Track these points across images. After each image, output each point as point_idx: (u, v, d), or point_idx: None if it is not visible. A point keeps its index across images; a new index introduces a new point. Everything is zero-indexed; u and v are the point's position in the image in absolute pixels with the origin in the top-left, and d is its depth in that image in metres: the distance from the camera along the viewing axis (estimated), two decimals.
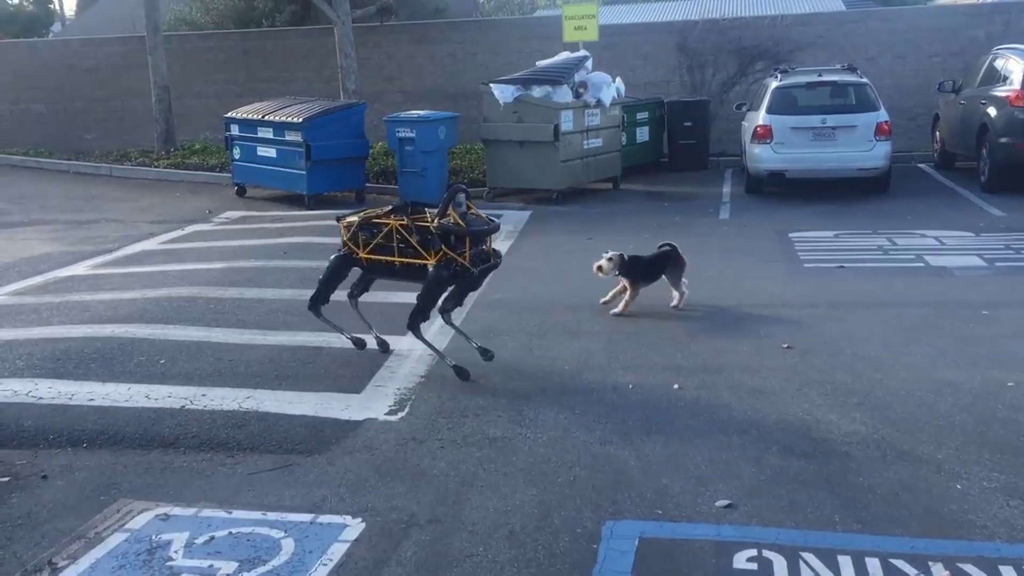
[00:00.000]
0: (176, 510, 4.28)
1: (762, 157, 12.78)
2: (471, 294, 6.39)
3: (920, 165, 15.52)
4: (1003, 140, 11.91)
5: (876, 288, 7.83)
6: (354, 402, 5.57)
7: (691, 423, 5.03)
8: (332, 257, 6.43)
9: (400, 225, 5.96)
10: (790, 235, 10.25)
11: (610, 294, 7.41)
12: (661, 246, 7.50)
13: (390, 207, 6.25)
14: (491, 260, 6.02)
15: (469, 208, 5.92)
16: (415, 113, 13.79)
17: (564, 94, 13.32)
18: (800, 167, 12.58)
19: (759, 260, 9.08)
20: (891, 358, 6.03)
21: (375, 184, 14.65)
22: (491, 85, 13.42)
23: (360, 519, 4.12)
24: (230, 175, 15.06)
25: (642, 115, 16.12)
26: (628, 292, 7.23)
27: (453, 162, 15.08)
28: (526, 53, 18.31)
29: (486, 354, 6.01)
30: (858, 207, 11.90)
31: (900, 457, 4.56)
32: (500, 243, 10.38)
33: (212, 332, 6.97)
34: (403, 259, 6.03)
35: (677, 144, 16.54)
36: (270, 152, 13.78)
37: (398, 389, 5.76)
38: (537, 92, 13.23)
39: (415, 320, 5.96)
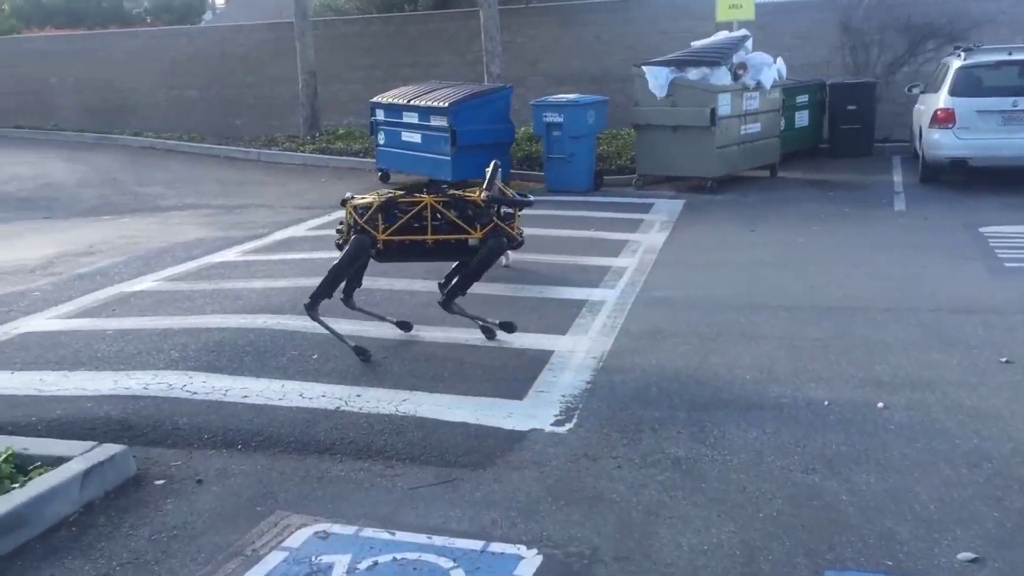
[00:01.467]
0: (336, 528, 3.95)
1: (942, 143, 11.69)
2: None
3: None
4: None
5: None
6: (516, 409, 5.15)
7: (907, 451, 4.38)
8: (350, 242, 6.09)
9: (438, 201, 5.96)
10: (980, 230, 9.27)
11: None
12: None
13: (403, 189, 6.39)
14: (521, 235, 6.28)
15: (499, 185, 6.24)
16: (563, 97, 13.31)
17: (722, 76, 12.56)
18: (987, 154, 11.45)
19: (950, 257, 8.20)
20: None
21: (518, 171, 14.24)
22: (644, 68, 12.79)
23: (536, 550, 3.69)
24: (374, 160, 14.96)
25: (802, 98, 15.15)
26: None
27: (599, 148, 14.52)
28: (675, 34, 17.51)
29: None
30: None
31: None
32: (656, 234, 9.81)
33: (365, 325, 6.67)
34: (439, 236, 6.01)
35: (839, 129, 15.46)
36: (415, 137, 13.56)
37: (563, 396, 5.31)
38: (693, 74, 12.52)
39: (456, 295, 6.23)
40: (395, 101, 13.86)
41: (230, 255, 9.55)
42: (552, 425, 4.92)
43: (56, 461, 4.37)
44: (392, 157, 14.13)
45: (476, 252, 6.06)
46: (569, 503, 4.06)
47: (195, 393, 5.49)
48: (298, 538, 3.88)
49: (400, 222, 5.99)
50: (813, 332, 6.26)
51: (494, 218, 5.97)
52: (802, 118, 15.24)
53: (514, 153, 14.40)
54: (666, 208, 11.35)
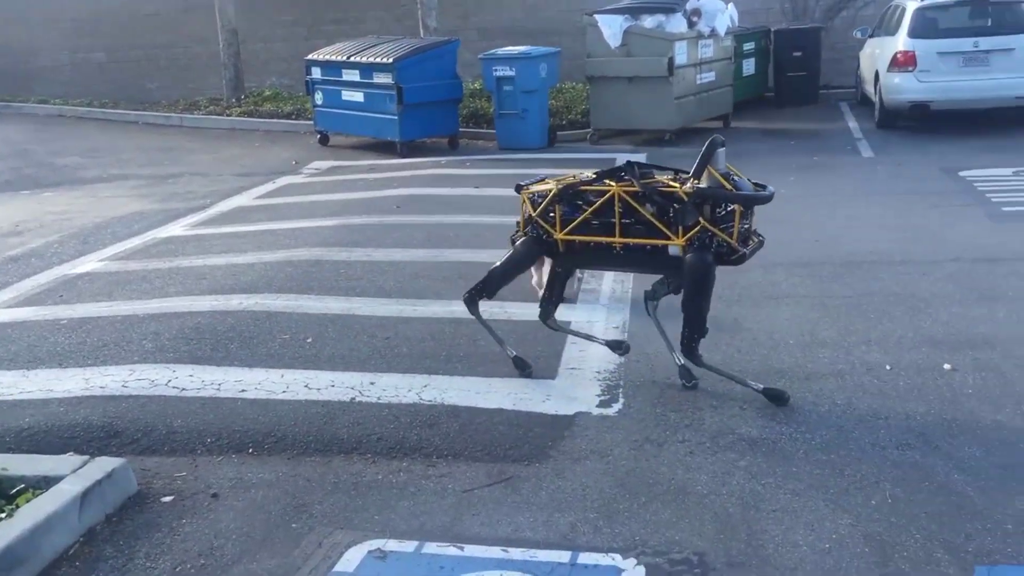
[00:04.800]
0: (392, 544, 3.42)
1: (903, 87, 11.52)
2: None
3: None
4: None
5: None
6: (554, 390, 4.66)
7: (1000, 419, 4.05)
8: (517, 242, 4.81)
9: (627, 192, 4.35)
10: (961, 174, 9.10)
11: None
12: None
13: (596, 171, 4.61)
14: (754, 239, 4.39)
15: (729, 168, 4.28)
16: (514, 49, 12.69)
17: (677, 23, 12.11)
18: (949, 97, 11.31)
19: (945, 205, 7.97)
20: None
21: (467, 128, 13.62)
22: (596, 16, 12.26)
23: (634, 559, 3.23)
24: (310, 122, 14.13)
25: (748, 46, 14.85)
26: None
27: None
28: None
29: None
30: (1020, 141, 10.68)
31: None
32: None
33: (353, 303, 6.09)
34: (631, 239, 4.42)
35: (785, 76, 15.24)
36: (357, 96, 12.78)
37: (598, 373, 4.84)
38: (648, 22, 12.05)
39: (693, 342, 4.34)
40: (333, 58, 13.04)
41: (176, 229, 8.76)
42: (599, 407, 4.45)
43: (43, 482, 3.72)
44: (332, 118, 13.33)
45: (679, 265, 4.32)
46: (651, 499, 3.60)
47: (184, 389, 4.84)
48: (351, 560, 3.34)
49: (581, 218, 4.52)
50: (840, 290, 5.92)
51: (701, 220, 4.20)
52: (749, 66, 14.96)
53: (459, 110, 13.75)
54: None
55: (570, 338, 5.29)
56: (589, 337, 5.09)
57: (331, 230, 8.20)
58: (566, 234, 4.58)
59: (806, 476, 3.68)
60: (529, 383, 4.76)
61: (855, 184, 9.13)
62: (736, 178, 4.24)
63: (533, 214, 4.67)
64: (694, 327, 4.31)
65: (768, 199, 4.20)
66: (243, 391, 4.79)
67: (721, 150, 4.19)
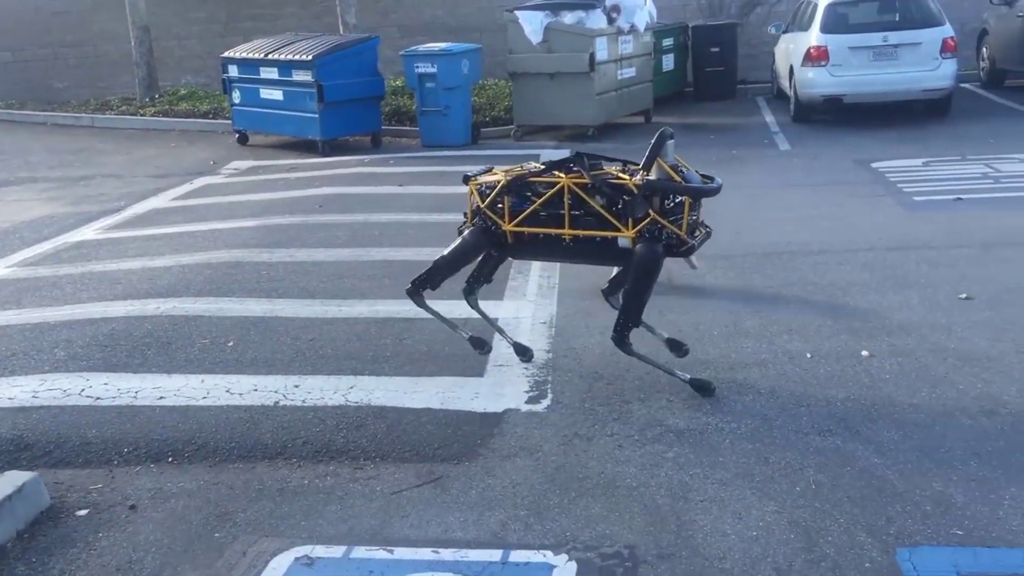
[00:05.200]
0: (319, 550, 3.35)
1: (817, 81, 11.77)
2: None
3: (964, 85, 14.58)
4: None
5: (1021, 223, 6.94)
6: (482, 388, 4.63)
7: (916, 402, 4.15)
8: (465, 232, 4.71)
9: (577, 183, 4.34)
10: (873, 165, 9.34)
11: None
12: None
13: (545, 162, 4.58)
14: (701, 230, 4.41)
15: (677, 160, 4.30)
16: (436, 46, 12.60)
17: (597, 19, 12.17)
18: (860, 90, 11.60)
19: (860, 195, 8.16)
20: None
21: (390, 126, 13.49)
22: (517, 13, 12.25)
23: (565, 555, 3.22)
24: (228, 121, 13.83)
25: (667, 41, 15.02)
26: None
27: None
28: None
29: (679, 348, 4.68)
30: (929, 132, 11.00)
31: None
32: None
33: (276, 304, 5.97)
34: (580, 231, 4.41)
35: (703, 72, 15.46)
36: (275, 94, 12.54)
37: (526, 369, 4.83)
38: (568, 18, 12.08)
39: (626, 330, 4.33)
40: (251, 56, 12.78)
41: (88, 233, 8.48)
42: (527, 403, 4.43)
43: None
44: (251, 117, 13.06)
45: (627, 257, 4.35)
46: (581, 494, 3.60)
47: (99, 398, 4.67)
48: (278, 568, 3.26)
49: (530, 209, 4.47)
50: (762, 281, 6.01)
51: (652, 212, 4.21)
52: (668, 62, 15.13)
53: (383, 108, 13.62)
54: (553, 159, 10.93)
55: (497, 335, 5.26)
56: (500, 331, 5.04)
57: (252, 231, 8.03)
58: (515, 226, 4.52)
59: (732, 465, 3.72)
60: (458, 381, 4.72)
61: (773, 177, 9.30)
62: (684, 170, 4.28)
63: (482, 205, 4.59)
64: (631, 316, 4.33)
65: (716, 191, 4.25)
66: (161, 398, 4.65)
67: (670, 142, 4.23)
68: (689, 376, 4.44)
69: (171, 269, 6.90)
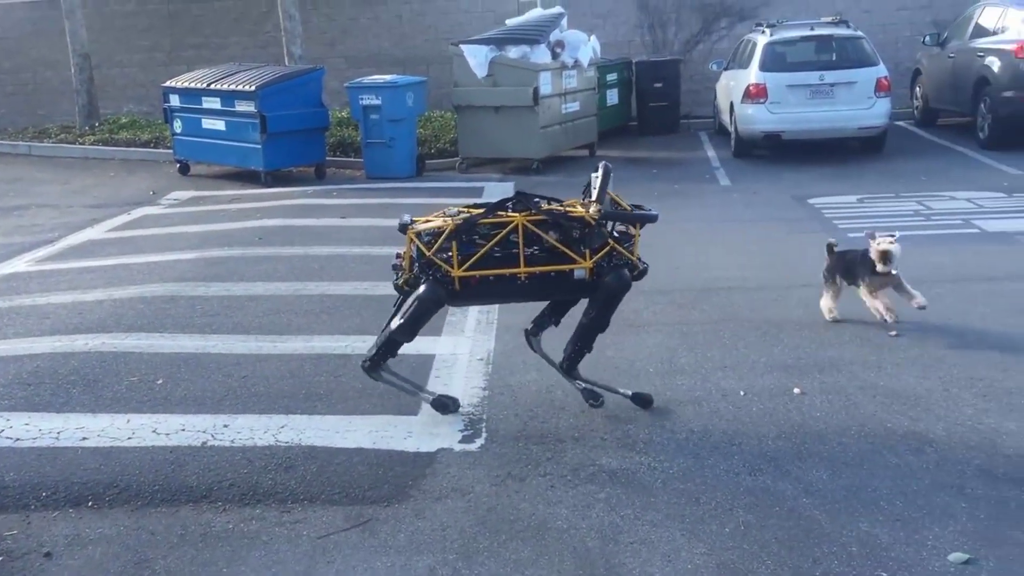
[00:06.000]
0: None
1: (756, 118, 12.00)
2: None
3: (898, 123, 14.97)
4: (1007, 94, 11.35)
5: (949, 260, 7.08)
6: (415, 427, 4.58)
7: (845, 441, 4.19)
8: (421, 289, 4.40)
9: (531, 220, 4.31)
10: (810, 201, 9.51)
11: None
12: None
13: (481, 204, 4.59)
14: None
15: (608, 193, 4.50)
16: (380, 78, 12.60)
17: (541, 54, 12.32)
18: (798, 127, 11.85)
19: (796, 232, 8.28)
20: None
21: (335, 157, 13.42)
22: (462, 47, 12.33)
23: None
24: (169, 151, 13.69)
25: (611, 76, 15.20)
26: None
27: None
28: (478, 13, 17.24)
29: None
30: (865, 169, 11.24)
31: None
32: None
33: (209, 340, 5.86)
34: (535, 268, 4.36)
35: (647, 107, 15.66)
36: (218, 124, 12.43)
37: (461, 407, 4.78)
38: (513, 52, 12.19)
39: (580, 356, 4.57)
40: (192, 85, 12.66)
41: (19, 265, 8.28)
42: (461, 442, 4.39)
43: None
44: (192, 147, 12.92)
45: (584, 288, 4.43)
46: (512, 537, 3.56)
47: (18, 440, 4.52)
48: None
49: (482, 251, 4.35)
50: (699, 316, 6.06)
51: (611, 241, 4.35)
52: (612, 96, 15.30)
53: (327, 139, 13.56)
54: (498, 191, 10.94)
55: (434, 372, 5.25)
56: (417, 387, 4.82)
57: (189, 263, 7.90)
58: (465, 270, 4.35)
59: (664, 506, 3.71)
60: (391, 420, 4.66)
61: (713, 212, 9.41)
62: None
63: (427, 253, 4.36)
64: (587, 343, 4.56)
65: (656, 218, 4.53)
66: (84, 439, 4.51)
67: (611, 175, 4.51)
68: (631, 392, 4.65)
69: (103, 303, 6.75)
